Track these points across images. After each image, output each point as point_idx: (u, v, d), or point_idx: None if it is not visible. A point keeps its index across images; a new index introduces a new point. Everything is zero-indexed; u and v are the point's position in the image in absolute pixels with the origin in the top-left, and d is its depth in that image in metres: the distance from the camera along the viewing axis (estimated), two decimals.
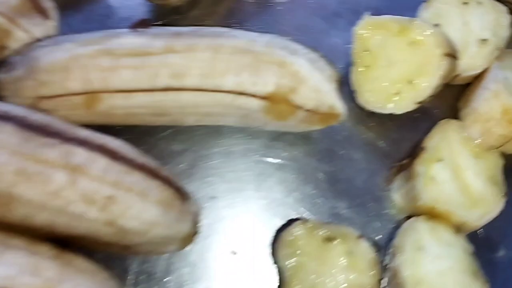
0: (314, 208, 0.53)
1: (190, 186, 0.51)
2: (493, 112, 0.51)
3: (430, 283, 0.47)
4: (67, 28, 0.56)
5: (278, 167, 0.55)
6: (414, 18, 0.52)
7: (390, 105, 0.53)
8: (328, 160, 0.55)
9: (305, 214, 0.53)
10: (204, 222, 0.51)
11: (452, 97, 0.58)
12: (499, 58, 0.54)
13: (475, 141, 0.53)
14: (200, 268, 0.51)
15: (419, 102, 0.52)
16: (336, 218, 0.53)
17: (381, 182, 0.55)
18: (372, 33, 0.53)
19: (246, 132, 0.55)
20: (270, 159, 0.55)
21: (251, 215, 0.53)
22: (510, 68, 0.54)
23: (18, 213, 0.41)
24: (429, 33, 0.51)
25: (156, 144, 0.53)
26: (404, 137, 0.57)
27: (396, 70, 0.52)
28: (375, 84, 0.53)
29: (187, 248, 0.50)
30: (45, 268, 0.41)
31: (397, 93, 0.53)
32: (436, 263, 0.48)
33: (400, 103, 0.53)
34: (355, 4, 0.61)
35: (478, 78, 0.55)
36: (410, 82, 0.52)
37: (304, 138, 0.56)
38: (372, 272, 0.47)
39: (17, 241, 0.42)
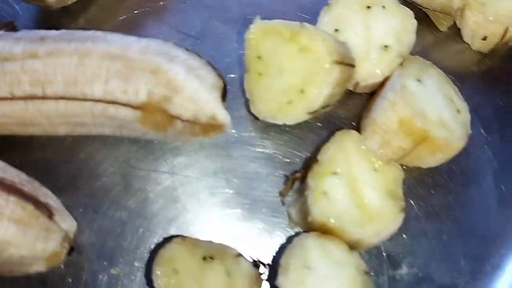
0: (201, 225, 0.51)
1: (69, 199, 0.48)
2: (390, 123, 0.49)
3: None
4: None
5: (168, 176, 0.52)
6: (305, 24, 0.49)
7: (282, 115, 0.50)
8: (221, 172, 0.53)
9: (190, 232, 0.50)
10: (83, 239, 0.49)
11: (359, 106, 0.56)
12: (402, 65, 0.52)
13: (374, 153, 0.50)
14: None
15: (312, 112, 0.49)
16: (224, 236, 0.50)
17: (276, 196, 0.52)
18: (263, 38, 0.50)
19: (133, 142, 0.52)
20: (158, 172, 0.52)
21: (134, 232, 0.50)
22: (413, 77, 0.51)
23: None
24: (319, 39, 0.48)
25: (30, 154, 0.51)
26: (304, 149, 0.54)
27: (287, 78, 0.49)
28: (268, 92, 0.50)
29: (62, 266, 0.47)
30: None
31: (289, 103, 0.50)
32: (323, 284, 0.45)
33: (292, 113, 0.50)
34: (259, 8, 0.59)
35: (381, 86, 0.53)
36: (301, 91, 0.49)
37: (195, 148, 0.53)
38: None
39: None
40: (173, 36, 0.57)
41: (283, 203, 0.52)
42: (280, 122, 0.51)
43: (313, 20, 0.54)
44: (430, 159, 0.52)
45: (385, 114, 0.49)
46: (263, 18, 0.50)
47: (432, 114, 0.49)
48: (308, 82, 0.49)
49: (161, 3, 0.59)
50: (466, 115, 0.52)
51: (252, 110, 0.52)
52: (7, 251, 0.41)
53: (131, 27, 0.57)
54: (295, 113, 0.50)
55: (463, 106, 0.52)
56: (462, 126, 0.51)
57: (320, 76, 0.48)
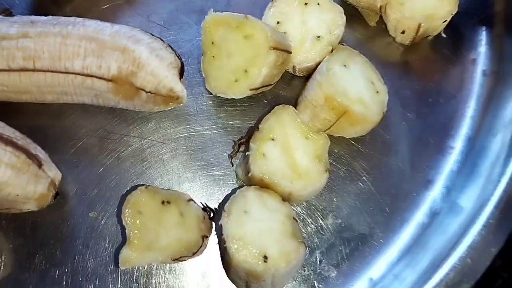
0: (165, 178, 0.61)
1: (56, 156, 0.59)
2: (318, 99, 0.59)
3: (249, 240, 0.54)
4: None
5: (138, 139, 0.62)
6: (249, 16, 0.59)
7: (231, 91, 0.61)
8: (183, 136, 0.63)
9: (156, 183, 0.60)
10: (67, 187, 0.59)
11: (298, 88, 0.66)
12: (332, 53, 0.62)
13: (306, 125, 0.60)
14: (63, 227, 0.58)
15: (254, 89, 0.60)
16: (184, 187, 0.61)
17: (226, 158, 0.63)
18: (216, 27, 0.60)
19: (109, 110, 0.62)
20: (127, 134, 0.62)
21: (109, 183, 0.60)
22: (340, 62, 0.61)
23: None
24: (259, 28, 0.59)
25: (26, 119, 0.61)
26: (250, 120, 0.64)
27: (234, 60, 0.60)
28: (219, 72, 0.61)
29: (52, 209, 0.57)
30: None
31: (236, 81, 0.60)
32: (257, 224, 0.55)
33: (238, 89, 0.61)
34: (216, 2, 0.69)
35: (314, 70, 0.63)
36: (245, 71, 0.60)
37: (160, 116, 0.64)
38: (198, 230, 0.55)
39: None
40: (144, 24, 0.66)
41: (232, 164, 0.63)
42: (229, 97, 0.62)
43: (260, 14, 0.65)
44: (351, 130, 0.62)
45: (314, 92, 0.59)
46: (219, 11, 0.60)
47: (352, 93, 0.59)
48: (250, 63, 0.59)
49: None
50: (384, 96, 0.62)
51: (207, 87, 0.63)
52: (5, 190, 0.52)
53: (109, 16, 0.67)
54: (240, 89, 0.61)
55: (383, 89, 0.62)
56: (379, 105, 0.61)
57: (260, 59, 0.59)
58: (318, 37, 0.63)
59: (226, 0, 0.69)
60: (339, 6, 0.65)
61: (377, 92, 0.62)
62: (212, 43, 0.60)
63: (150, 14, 0.68)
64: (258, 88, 0.61)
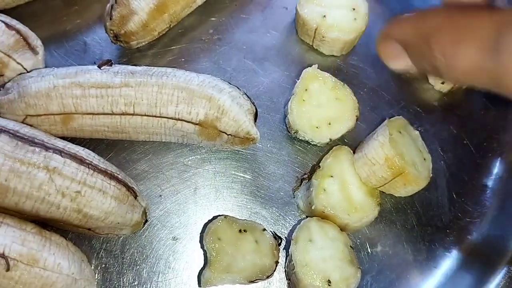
0: (237, 208, 0.69)
1: (143, 187, 0.67)
2: (378, 159, 0.65)
3: (314, 266, 0.63)
4: (52, 59, 0.72)
5: (211, 175, 0.70)
6: (345, 84, 0.71)
7: (310, 134, 0.70)
8: (251, 171, 0.71)
9: (229, 212, 0.68)
10: (152, 214, 0.67)
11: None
12: (390, 120, 0.69)
13: (362, 180, 0.68)
14: (148, 249, 0.66)
15: (331, 140, 0.70)
16: (253, 216, 0.69)
17: (289, 191, 0.71)
18: (313, 79, 0.70)
19: (188, 147, 0.71)
20: (205, 169, 0.71)
21: (189, 210, 0.68)
22: (396, 129, 0.68)
23: (11, 201, 0.57)
24: (350, 98, 0.70)
25: (117, 153, 0.69)
26: (310, 158, 0.73)
27: (322, 111, 0.70)
28: (305, 114, 0.69)
29: (138, 233, 0.66)
30: (30, 240, 0.56)
31: (317, 127, 0.69)
32: (320, 252, 0.64)
33: (318, 135, 0.70)
34: (279, 50, 0.78)
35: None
36: (329, 123, 0.69)
37: (233, 153, 0.72)
38: (271, 256, 0.64)
39: (10, 220, 0.57)
40: (215, 69, 0.75)
41: (294, 196, 0.71)
42: (306, 139, 0.70)
43: None
44: (402, 190, 0.68)
45: (375, 152, 0.65)
46: (277, 61, 0.71)
47: (408, 157, 0.66)
48: (335, 120, 0.69)
49: (207, 45, 0.77)
50: (429, 163, 0.69)
51: (288, 122, 0.71)
52: (109, 219, 0.60)
53: (185, 61, 0.75)
54: (320, 136, 0.70)
55: (428, 157, 0.70)
56: (426, 170, 0.69)
57: (344, 120, 0.69)
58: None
59: (290, 52, 0.78)
60: None
61: (425, 159, 0.70)
62: (306, 89, 0.70)
63: (220, 61, 0.76)
64: (334, 140, 0.70)
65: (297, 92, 0.71)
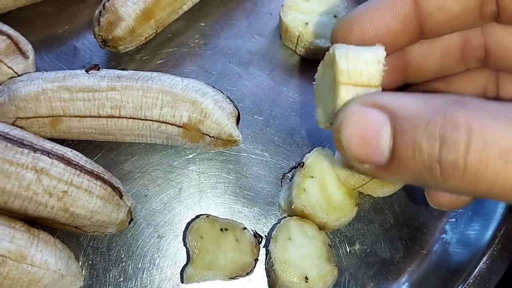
0: (220, 207, 0.72)
1: (129, 187, 0.70)
2: None
3: (293, 263, 0.65)
4: (42, 63, 0.75)
5: (196, 175, 0.73)
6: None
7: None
8: (234, 173, 0.74)
9: (212, 212, 0.71)
10: (138, 213, 0.70)
11: None
12: None
13: (341, 180, 0.70)
14: (134, 247, 0.69)
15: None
16: (236, 215, 0.72)
17: (271, 191, 0.74)
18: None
19: (173, 148, 0.74)
20: (189, 169, 0.73)
21: (174, 210, 0.71)
22: None
23: (0, 200, 0.59)
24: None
25: (105, 155, 0.72)
26: (291, 158, 0.75)
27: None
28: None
29: (124, 232, 0.68)
30: (18, 237, 0.59)
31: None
32: (299, 250, 0.66)
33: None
34: (264, 55, 0.81)
35: None
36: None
37: (217, 155, 0.74)
38: (251, 253, 0.66)
39: (0, 219, 0.60)
40: (201, 73, 0.78)
41: (281, 185, 0.73)
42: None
43: None
44: (380, 190, 0.71)
45: None
46: (266, 63, 0.73)
47: None
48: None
49: (193, 50, 0.80)
50: None
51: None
52: (95, 218, 0.62)
53: (172, 66, 0.78)
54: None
55: None
56: None
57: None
58: None
59: (273, 55, 0.80)
60: None
61: None
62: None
63: (205, 65, 0.79)
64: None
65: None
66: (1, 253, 0.57)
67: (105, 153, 0.72)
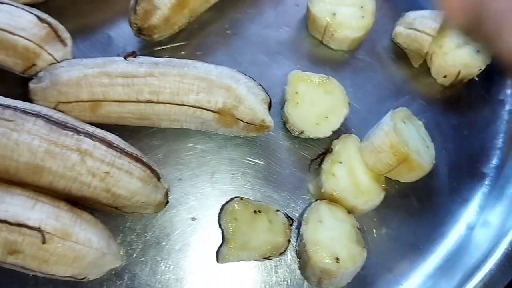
0: (251, 192, 0.74)
1: (164, 170, 0.72)
2: (384, 146, 0.69)
3: (324, 245, 0.67)
4: (78, 52, 0.77)
5: (227, 160, 0.75)
6: (330, 77, 0.75)
7: (312, 132, 0.74)
8: (264, 158, 0.76)
9: (244, 195, 0.73)
10: (173, 196, 0.72)
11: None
12: (394, 111, 0.73)
13: (369, 166, 0.72)
14: (169, 228, 0.71)
15: (333, 131, 0.74)
16: (266, 199, 0.74)
17: (300, 176, 0.76)
18: (299, 82, 0.74)
19: (206, 134, 0.76)
20: (222, 155, 0.75)
21: (207, 193, 0.73)
22: (400, 119, 0.72)
23: (46, 179, 0.61)
24: (337, 88, 0.74)
25: (140, 139, 0.74)
26: (319, 146, 0.77)
27: (316, 108, 0.74)
28: (303, 116, 0.74)
29: (159, 214, 0.71)
30: (63, 216, 0.61)
31: (317, 124, 0.74)
32: (329, 232, 0.68)
33: (320, 130, 0.74)
34: (291, 45, 0.83)
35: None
36: (326, 117, 0.74)
37: (247, 141, 0.77)
38: (284, 234, 0.69)
39: (44, 198, 0.62)
40: (231, 62, 0.79)
41: (309, 169, 0.76)
42: (312, 136, 0.75)
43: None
44: (406, 176, 0.73)
45: (381, 140, 0.70)
46: (295, 53, 0.75)
47: (411, 145, 0.70)
48: (330, 112, 0.74)
49: (223, 39, 0.82)
50: (432, 150, 0.74)
51: (289, 126, 0.75)
52: (135, 198, 0.65)
53: (203, 54, 0.80)
54: (322, 131, 0.74)
55: (431, 145, 0.75)
56: (429, 157, 0.73)
57: (338, 110, 0.73)
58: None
59: (300, 45, 0.83)
60: None
61: (428, 147, 0.74)
62: (296, 92, 0.74)
63: (235, 54, 0.81)
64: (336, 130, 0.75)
65: (289, 98, 0.75)
66: (48, 230, 0.60)
67: (140, 138, 0.74)
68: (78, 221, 0.62)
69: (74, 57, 0.74)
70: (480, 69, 0.79)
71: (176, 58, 0.73)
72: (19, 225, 0.59)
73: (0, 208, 0.59)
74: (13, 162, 0.60)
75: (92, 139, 0.63)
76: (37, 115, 0.63)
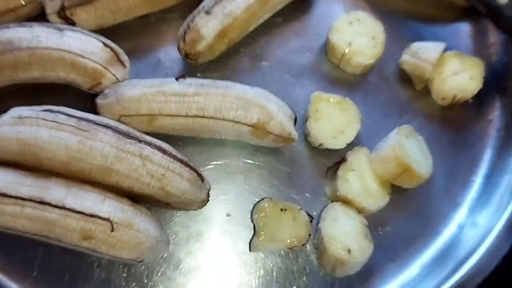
0: (277, 193, 0.87)
1: (204, 173, 0.86)
2: (390, 157, 0.80)
3: (338, 238, 0.81)
4: (132, 72, 0.90)
5: (258, 166, 0.89)
6: (346, 98, 0.88)
7: (330, 144, 0.87)
8: (288, 165, 0.90)
9: (272, 195, 0.86)
10: (211, 195, 0.86)
11: None
12: (399, 128, 0.83)
13: (377, 174, 0.85)
14: (208, 222, 0.85)
15: (347, 144, 0.87)
16: (290, 199, 0.87)
17: (318, 181, 0.90)
18: (320, 101, 0.88)
19: (240, 144, 0.89)
20: (253, 161, 0.89)
21: (240, 193, 0.87)
22: (404, 135, 0.84)
23: (113, 179, 0.75)
24: (352, 107, 0.88)
25: (184, 148, 0.87)
26: (334, 156, 0.90)
27: (334, 124, 0.87)
28: (322, 130, 0.87)
29: (200, 210, 0.84)
30: (127, 210, 0.75)
31: (334, 137, 0.87)
32: (343, 228, 0.81)
33: (337, 143, 0.87)
34: (312, 68, 0.97)
35: None
36: (342, 131, 0.87)
37: (274, 150, 0.90)
38: (306, 229, 0.82)
39: (111, 195, 0.75)
40: (261, 83, 0.90)
41: (326, 176, 0.89)
42: (329, 148, 0.87)
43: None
44: (409, 183, 0.84)
45: (387, 152, 0.81)
46: (315, 85, 0.90)
47: (413, 157, 0.81)
48: (346, 127, 0.87)
49: (254, 62, 0.95)
50: (430, 162, 0.84)
51: (309, 139, 0.89)
52: (184, 196, 0.78)
53: (237, 75, 0.93)
54: (339, 143, 0.87)
55: (429, 157, 0.85)
56: (428, 167, 0.85)
57: (353, 125, 0.87)
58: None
59: (319, 68, 0.97)
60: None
61: (427, 158, 0.86)
62: (317, 110, 0.88)
63: (265, 75, 0.94)
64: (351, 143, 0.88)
65: (311, 115, 0.88)
66: (116, 221, 0.73)
67: (184, 146, 0.87)
68: (138, 214, 0.76)
69: (130, 77, 0.87)
70: (473, 93, 0.93)
71: (213, 78, 0.86)
72: (93, 216, 0.73)
73: (77, 202, 0.73)
74: (88, 165, 0.74)
75: (151, 147, 0.77)
76: (107, 126, 0.77)
